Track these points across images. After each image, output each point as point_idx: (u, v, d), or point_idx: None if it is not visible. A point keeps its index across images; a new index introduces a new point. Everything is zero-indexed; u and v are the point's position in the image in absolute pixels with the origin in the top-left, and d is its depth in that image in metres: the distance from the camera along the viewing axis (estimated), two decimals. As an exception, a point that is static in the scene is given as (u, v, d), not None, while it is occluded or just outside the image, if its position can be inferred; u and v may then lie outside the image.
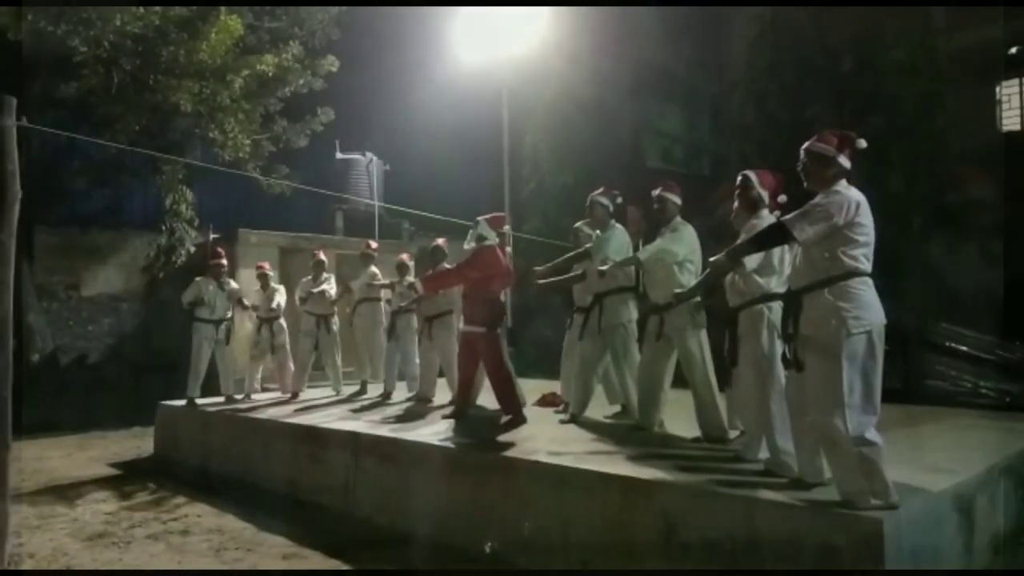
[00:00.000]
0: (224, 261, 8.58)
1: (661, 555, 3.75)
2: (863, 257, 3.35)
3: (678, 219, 5.36)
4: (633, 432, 5.45)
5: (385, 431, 5.83)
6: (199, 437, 7.82)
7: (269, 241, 12.05)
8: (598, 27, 12.90)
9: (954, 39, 9.85)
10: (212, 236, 12.99)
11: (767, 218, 4.16)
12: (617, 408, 6.35)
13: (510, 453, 4.79)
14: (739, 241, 3.98)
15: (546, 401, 7.17)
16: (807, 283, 3.40)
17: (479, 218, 6.37)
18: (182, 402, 8.42)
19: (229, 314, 8.59)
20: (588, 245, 5.95)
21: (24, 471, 7.40)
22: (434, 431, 5.78)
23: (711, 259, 3.91)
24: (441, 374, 7.85)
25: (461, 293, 6.24)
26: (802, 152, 3.59)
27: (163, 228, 12.79)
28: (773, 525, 3.36)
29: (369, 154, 15.03)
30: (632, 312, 5.84)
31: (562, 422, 6.06)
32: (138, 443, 9.47)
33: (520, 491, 4.49)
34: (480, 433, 5.61)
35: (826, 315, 3.29)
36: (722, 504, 3.56)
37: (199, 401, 8.32)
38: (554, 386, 7.48)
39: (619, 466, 4.25)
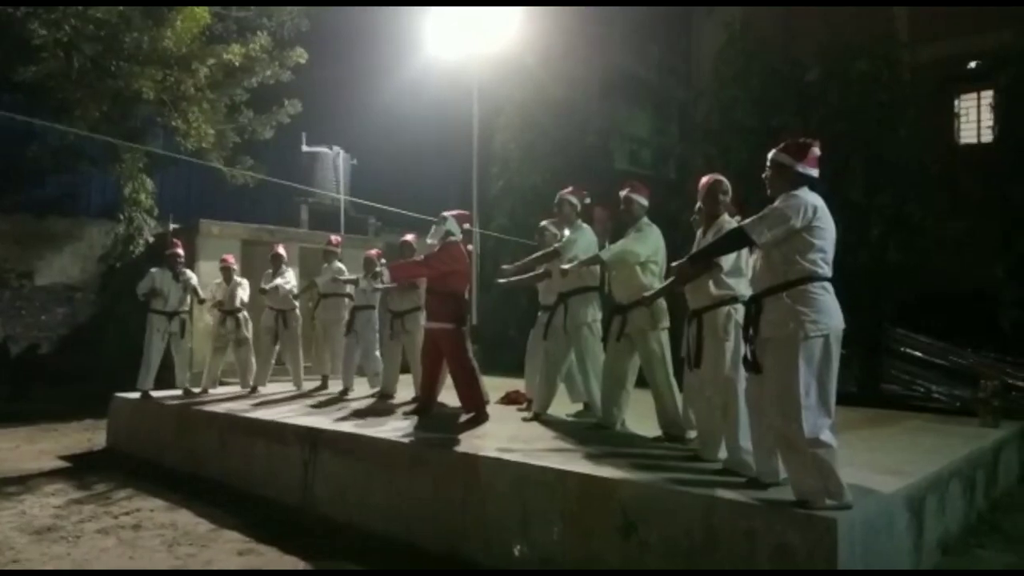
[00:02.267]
0: (181, 252, 8.42)
1: (620, 553, 3.76)
2: (821, 261, 3.40)
3: (644, 220, 5.39)
4: (595, 430, 5.47)
5: (344, 427, 5.77)
6: (153, 430, 7.66)
7: (231, 233, 11.85)
8: (570, 29, 12.95)
9: (916, 52, 10.08)
10: (172, 226, 12.73)
11: (729, 222, 4.20)
12: (579, 407, 6.37)
13: (470, 450, 4.77)
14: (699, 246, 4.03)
15: (510, 399, 7.16)
16: (767, 286, 3.44)
17: (445, 213, 6.35)
18: (136, 394, 8.25)
19: (185, 307, 8.43)
20: (556, 244, 5.95)
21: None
22: (396, 427, 5.73)
23: (673, 264, 3.95)
24: (405, 370, 7.79)
25: (425, 289, 6.20)
26: (768, 160, 3.64)
27: (121, 217, 12.48)
28: (730, 524, 3.39)
29: (336, 148, 14.87)
30: (596, 312, 5.86)
31: (525, 419, 6.06)
32: (89, 435, 9.23)
33: (480, 488, 4.47)
34: (442, 430, 5.58)
35: (784, 318, 3.34)
36: (680, 502, 3.59)
37: (154, 394, 8.16)
38: (518, 384, 7.49)
39: (579, 463, 4.26)
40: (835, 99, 9.54)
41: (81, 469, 7.36)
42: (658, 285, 5.17)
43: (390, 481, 5.04)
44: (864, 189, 8.92)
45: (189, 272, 8.46)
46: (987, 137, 12.72)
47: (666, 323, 5.21)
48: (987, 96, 13.31)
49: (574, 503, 3.99)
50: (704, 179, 4.44)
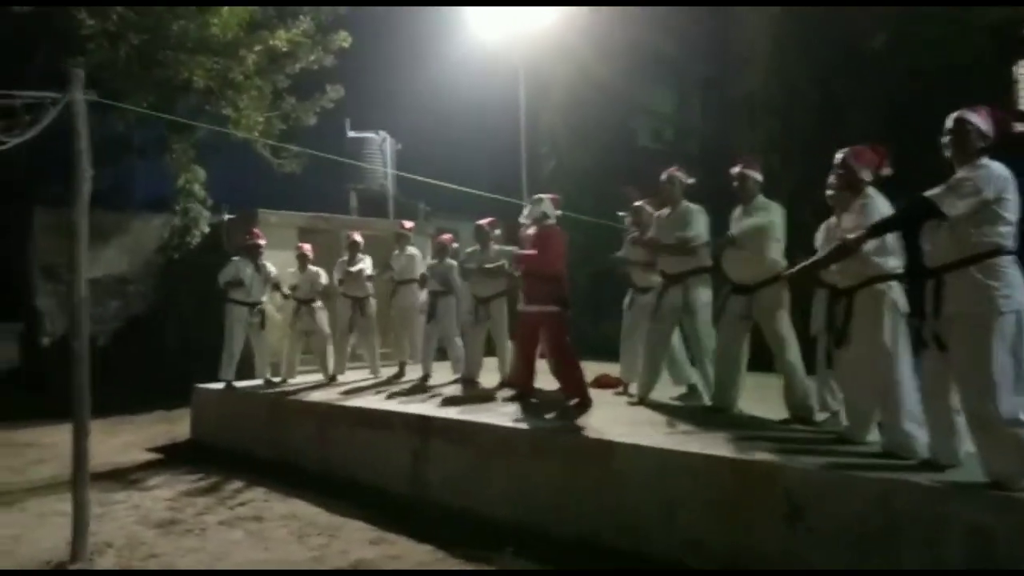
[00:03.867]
0: (262, 242, 8.38)
1: (781, 539, 3.69)
2: (1009, 234, 3.29)
3: (761, 196, 5.27)
4: (711, 414, 5.38)
5: (455, 414, 5.72)
6: (241, 421, 7.67)
7: (288, 221, 11.79)
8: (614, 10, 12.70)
9: (987, 14, 9.76)
10: (227, 216, 12.71)
11: (875, 196, 4.07)
12: (683, 390, 6.29)
13: (598, 435, 4.70)
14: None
15: (600, 383, 7.08)
16: (950, 260, 3.33)
17: (541, 196, 6.25)
18: (218, 385, 8.26)
19: (265, 297, 8.41)
20: (680, 234, 5.70)
21: (61, 456, 7.21)
22: (504, 414, 5.67)
23: (846, 238, 3.82)
24: (489, 355, 7.75)
25: (524, 272, 6.09)
26: (950, 122, 3.50)
27: (177, 208, 12.47)
28: (914, 508, 3.30)
29: (382, 132, 14.76)
30: (710, 293, 5.76)
31: (631, 403, 6.00)
32: (167, 427, 9.30)
33: (616, 474, 4.41)
34: (552, 416, 5.52)
35: (974, 293, 3.23)
36: (856, 486, 3.50)
37: (237, 384, 8.16)
38: (603, 368, 7.42)
39: (725, 448, 4.19)
40: (904, 67, 9.29)
41: (173, 461, 7.40)
42: (773, 265, 5.07)
43: (510, 468, 5.00)
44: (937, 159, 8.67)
45: (269, 264, 8.42)
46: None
47: (788, 303, 5.12)
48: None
49: (727, 489, 3.92)
50: (838, 155, 4.24)
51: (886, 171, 4.12)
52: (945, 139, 3.52)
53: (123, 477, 6.68)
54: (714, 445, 4.28)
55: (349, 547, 4.64)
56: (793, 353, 5.06)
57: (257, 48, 12.39)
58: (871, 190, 4.15)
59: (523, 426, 5.13)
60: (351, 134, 14.66)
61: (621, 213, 6.97)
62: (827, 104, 9.88)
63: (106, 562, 4.35)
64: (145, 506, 5.70)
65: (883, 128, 9.08)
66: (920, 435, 3.78)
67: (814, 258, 4.12)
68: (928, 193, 3.39)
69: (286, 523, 5.19)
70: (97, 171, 14.14)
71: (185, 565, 4.38)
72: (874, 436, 4.14)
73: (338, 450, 6.40)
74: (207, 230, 12.63)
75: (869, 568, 3.40)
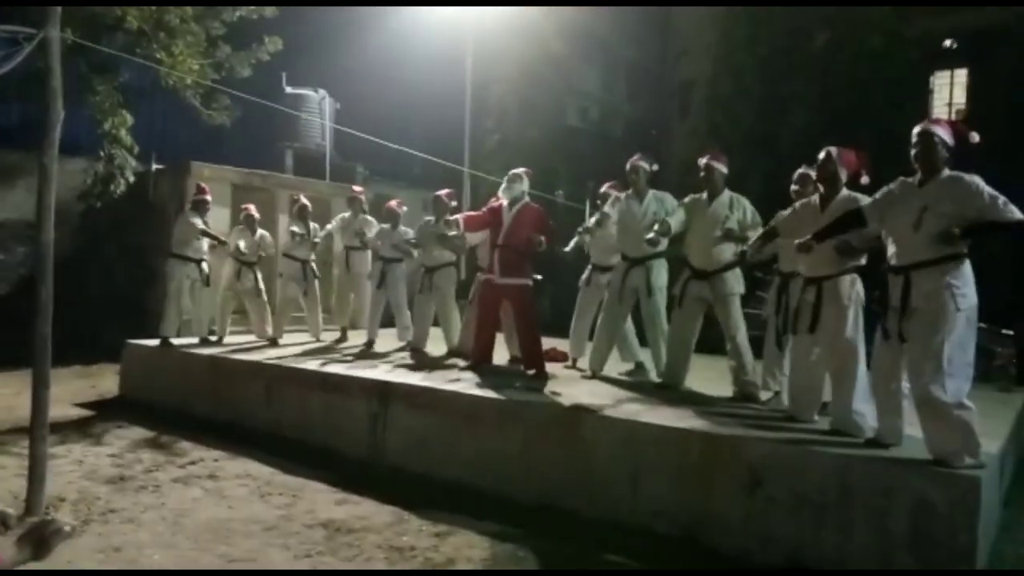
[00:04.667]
0: (209, 197, 8.10)
1: (742, 507, 3.99)
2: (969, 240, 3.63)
3: (725, 188, 5.52)
4: (663, 390, 5.65)
5: (416, 380, 5.78)
6: (179, 379, 7.45)
7: (222, 176, 11.40)
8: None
9: (916, 27, 10.43)
10: (155, 167, 12.14)
11: (844, 195, 4.37)
12: (630, 366, 6.56)
13: (568, 405, 4.89)
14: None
15: (549, 356, 7.26)
16: (919, 259, 3.64)
17: (518, 171, 6.34)
18: (152, 341, 7.99)
19: (206, 253, 8.16)
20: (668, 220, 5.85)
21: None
22: (464, 381, 5.77)
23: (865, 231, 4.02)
24: (435, 324, 7.81)
25: (497, 245, 6.17)
26: (915, 135, 3.80)
27: (101, 154, 11.78)
28: (868, 480, 3.64)
29: (321, 91, 14.36)
30: (666, 276, 6.02)
31: (584, 377, 6.22)
32: (90, 382, 8.94)
33: (584, 443, 4.61)
34: (514, 386, 5.65)
35: (938, 290, 3.56)
36: (814, 460, 3.82)
37: (174, 342, 7.92)
38: (549, 341, 7.61)
39: (686, 421, 4.46)
40: (843, 70, 9.84)
41: (105, 417, 7.14)
42: (732, 253, 5.36)
43: (475, 434, 5.12)
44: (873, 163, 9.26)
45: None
46: (957, 116, 13.38)
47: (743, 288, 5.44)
48: (960, 75, 13.94)
49: (693, 460, 4.18)
50: (825, 151, 4.47)
51: (864, 179, 4.41)
52: (913, 151, 3.82)
53: (57, 432, 6.34)
54: (676, 418, 4.55)
55: (315, 507, 4.67)
56: (743, 336, 5.39)
57: (197, -8, 11.79)
58: (844, 190, 4.43)
59: (490, 394, 5.25)
60: (289, 89, 14.20)
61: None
62: (770, 98, 10.35)
63: (63, 516, 4.21)
64: (89, 462, 5.52)
65: (823, 129, 9.62)
66: (868, 416, 4.15)
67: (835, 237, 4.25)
68: (996, 216, 3.52)
69: (243, 482, 5.15)
70: (8, 107, 13.15)
71: (146, 521, 4.30)
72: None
73: (289, 412, 6.35)
74: (132, 179, 12.01)
75: (824, 534, 3.73)
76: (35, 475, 4.17)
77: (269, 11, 13.46)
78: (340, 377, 6.08)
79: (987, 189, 3.54)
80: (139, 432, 6.54)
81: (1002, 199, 3.51)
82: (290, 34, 14.18)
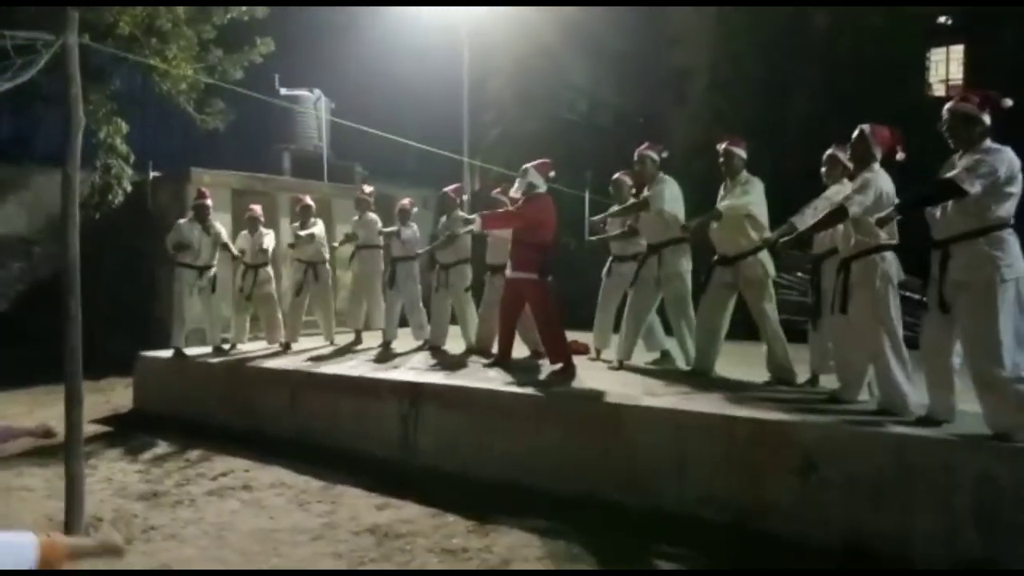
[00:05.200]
0: (209, 202, 7.98)
1: (795, 491, 3.94)
2: (1012, 209, 3.59)
3: (745, 172, 5.47)
4: (694, 377, 5.61)
5: (445, 379, 5.72)
6: (196, 389, 7.35)
7: (222, 181, 11.25)
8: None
9: (913, 4, 10.39)
10: (153, 175, 11.98)
11: (879, 172, 4.32)
12: (656, 355, 6.51)
13: (606, 398, 4.83)
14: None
15: (571, 350, 7.20)
16: (958, 232, 3.60)
17: (527, 166, 6.25)
18: (166, 353, 7.88)
19: (214, 261, 8.03)
20: (646, 195, 5.95)
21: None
22: (492, 379, 5.71)
23: (890, 211, 3.99)
24: (452, 322, 7.74)
25: (510, 240, 6.11)
26: (945, 112, 3.76)
27: (97, 164, 11.61)
28: (927, 458, 3.60)
29: (316, 91, 14.21)
30: (689, 262, 5.96)
31: (611, 368, 6.17)
32: (102, 397, 8.80)
33: (627, 435, 4.56)
34: (539, 381, 5.59)
35: (980, 262, 3.53)
36: (870, 441, 3.78)
37: (188, 352, 7.81)
38: (570, 334, 7.55)
39: (730, 408, 4.41)
40: (846, 51, 9.81)
41: (124, 432, 7.04)
42: (760, 237, 5.31)
43: (511, 432, 5.06)
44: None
45: (218, 225, 8.03)
46: (953, 93, 13.38)
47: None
48: (956, 51, 13.95)
49: (743, 446, 4.13)
50: (859, 129, 4.43)
51: (900, 156, 4.35)
52: (944, 129, 3.79)
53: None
54: (718, 405, 4.51)
55: (357, 513, 4.60)
56: (774, 320, 5.34)
57: (190, -6, 11.62)
58: (876, 166, 4.38)
59: (526, 390, 5.19)
60: (283, 90, 14.04)
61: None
62: (773, 82, 10.30)
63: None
64: (117, 479, 5.42)
65: (827, 112, 9.60)
66: (911, 394, 4.12)
67: (812, 222, 4.31)
68: (952, 175, 3.61)
69: (279, 491, 5.07)
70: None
71: (188, 537, 4.22)
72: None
73: (316, 417, 6.26)
74: (130, 189, 11.85)
75: (882, 515, 3.69)
76: (73, 495, 4.08)
77: (260, 12, 13.31)
78: (369, 380, 6.00)
79: (988, 159, 3.52)
80: (162, 446, 6.44)
81: (972, 167, 3.52)
82: (282, 34, 14.04)
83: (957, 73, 14.06)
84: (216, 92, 13.58)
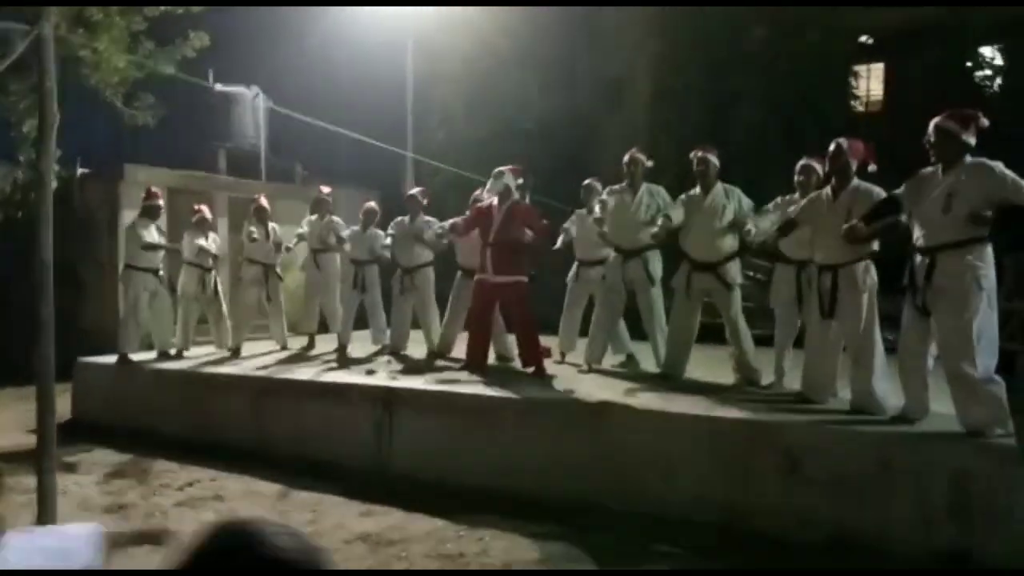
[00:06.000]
0: (161, 201, 7.64)
1: (780, 490, 4.11)
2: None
3: (720, 183, 5.63)
4: (665, 380, 5.73)
5: (422, 384, 5.66)
6: (144, 397, 7.01)
7: (157, 179, 10.71)
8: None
9: (848, 18, 10.93)
10: (80, 171, 11.34)
11: (855, 184, 4.54)
12: (621, 358, 6.63)
13: (592, 400, 4.90)
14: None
15: (536, 352, 7.26)
16: (947, 241, 3.84)
17: (501, 168, 6.26)
18: (108, 359, 7.49)
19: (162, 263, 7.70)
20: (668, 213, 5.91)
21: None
22: (469, 383, 5.68)
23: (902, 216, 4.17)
24: (415, 326, 7.67)
25: (488, 243, 6.10)
26: (931, 128, 4.00)
27: (21, 159, 10.89)
28: (906, 455, 3.83)
29: (254, 87, 13.78)
30: (660, 268, 6.11)
31: (581, 372, 6.24)
32: (33, 405, 8.24)
33: (612, 437, 4.64)
34: (516, 385, 5.60)
35: (962, 270, 3.77)
36: (854, 438, 3.99)
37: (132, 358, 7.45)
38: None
39: (710, 409, 4.56)
40: (785, 66, 10.24)
41: (66, 443, 6.50)
42: (734, 244, 5.52)
43: (494, 437, 5.06)
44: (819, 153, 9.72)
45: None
46: (872, 108, 14.18)
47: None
48: (877, 68, 14.77)
49: (730, 447, 4.28)
50: (835, 143, 4.63)
51: (871, 167, 4.59)
52: (929, 144, 4.02)
53: (19, 461, 5.89)
54: (699, 407, 4.65)
55: (342, 521, 4.51)
56: (743, 324, 5.54)
57: (121, -16, 11.08)
58: (855, 180, 4.60)
59: (507, 394, 5.20)
60: (218, 87, 13.52)
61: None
62: (717, 93, 10.60)
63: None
64: (73, 492, 5.13)
65: (770, 123, 10.00)
66: (887, 394, 4.36)
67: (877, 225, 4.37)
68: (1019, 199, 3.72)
69: (253, 500, 4.93)
70: None
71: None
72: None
73: (280, 425, 6.08)
74: (55, 185, 11.17)
75: (866, 512, 3.89)
76: (46, 510, 3.86)
77: (196, 8, 12.84)
78: (338, 385, 5.89)
79: (1009, 173, 3.76)
80: (112, 456, 6.13)
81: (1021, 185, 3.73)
82: (218, 30, 13.57)
83: (877, 90, 14.93)
84: (146, 86, 13.04)
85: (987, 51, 11.71)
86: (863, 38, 13.59)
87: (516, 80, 12.14)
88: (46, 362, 3.85)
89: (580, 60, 13.34)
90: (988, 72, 10.86)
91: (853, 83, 13.06)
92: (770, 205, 5.55)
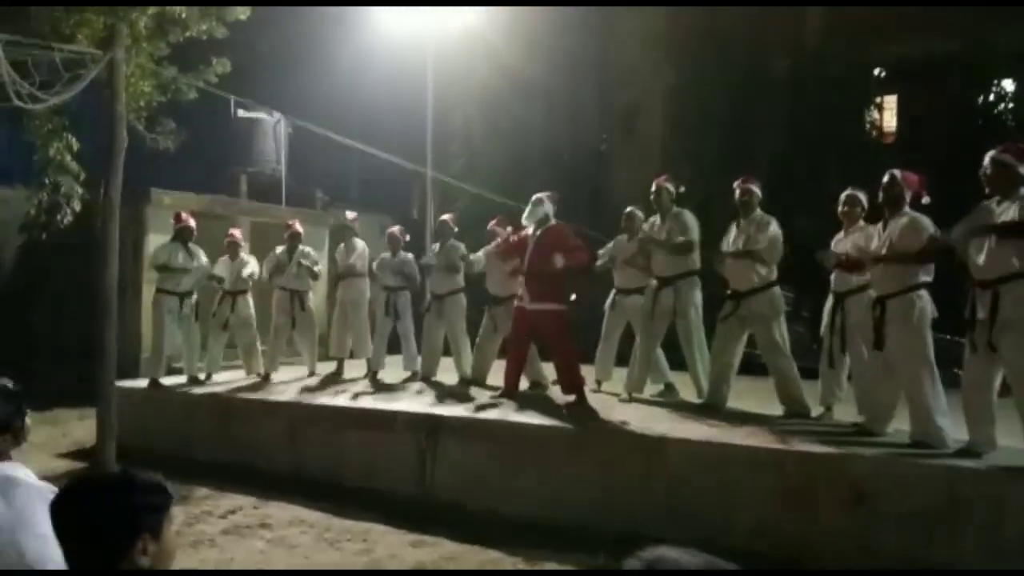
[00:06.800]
0: (192, 224, 7.66)
1: (845, 523, 4.06)
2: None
3: (759, 211, 5.66)
4: (711, 410, 5.66)
5: (464, 412, 5.62)
6: (177, 422, 6.97)
7: (183, 203, 10.77)
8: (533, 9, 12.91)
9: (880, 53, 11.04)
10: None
11: (910, 214, 4.55)
12: (660, 387, 6.59)
13: (648, 432, 4.85)
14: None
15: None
16: (1008, 272, 3.83)
17: (541, 195, 6.26)
18: (139, 383, 7.45)
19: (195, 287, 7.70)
20: (681, 238, 5.98)
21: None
22: (508, 412, 5.63)
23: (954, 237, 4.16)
24: (446, 353, 7.64)
25: (527, 271, 6.08)
26: (987, 160, 4.02)
27: (46, 182, 10.93)
28: (977, 489, 3.78)
29: (276, 113, 13.88)
30: (700, 295, 6.09)
31: (622, 400, 6.19)
32: (59, 430, 8.22)
33: (667, 469, 4.59)
34: (561, 414, 5.57)
35: (1025, 301, 3.76)
36: (922, 471, 3.94)
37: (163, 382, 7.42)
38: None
39: (776, 442, 4.50)
40: (813, 98, 10.30)
41: (99, 468, 6.56)
42: (768, 274, 5.51)
43: (543, 467, 5.01)
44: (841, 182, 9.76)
45: (201, 252, 7.71)
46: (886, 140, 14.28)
47: (783, 308, 5.58)
48: (890, 101, 14.91)
49: (792, 480, 4.23)
50: (889, 174, 4.64)
51: (925, 199, 4.60)
52: (984, 176, 4.04)
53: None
54: (753, 438, 4.60)
55: (394, 551, 4.45)
56: (787, 355, 5.49)
57: (151, 11, 11.19)
58: (908, 209, 4.60)
59: (556, 423, 5.16)
60: (241, 113, 13.65)
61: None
62: (741, 124, 10.67)
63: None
64: (116, 518, 5.05)
65: (791, 152, 10.06)
66: (947, 427, 4.32)
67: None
68: None
69: (301, 529, 4.85)
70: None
71: (225, 580, 3.98)
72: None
73: (318, 452, 6.04)
74: (79, 208, 11.21)
75: (934, 546, 3.83)
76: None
77: (221, 32, 12.96)
78: (380, 412, 5.85)
79: None
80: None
81: None
82: (241, 56, 13.70)
83: (891, 121, 15.06)
84: (168, 111, 13.12)
85: (1007, 83, 11.80)
86: (876, 71, 13.74)
87: (541, 109, 12.24)
88: (109, 387, 3.81)
89: (607, 90, 13.45)
90: (1011, 105, 10.90)
91: (875, 115, 13.20)
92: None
